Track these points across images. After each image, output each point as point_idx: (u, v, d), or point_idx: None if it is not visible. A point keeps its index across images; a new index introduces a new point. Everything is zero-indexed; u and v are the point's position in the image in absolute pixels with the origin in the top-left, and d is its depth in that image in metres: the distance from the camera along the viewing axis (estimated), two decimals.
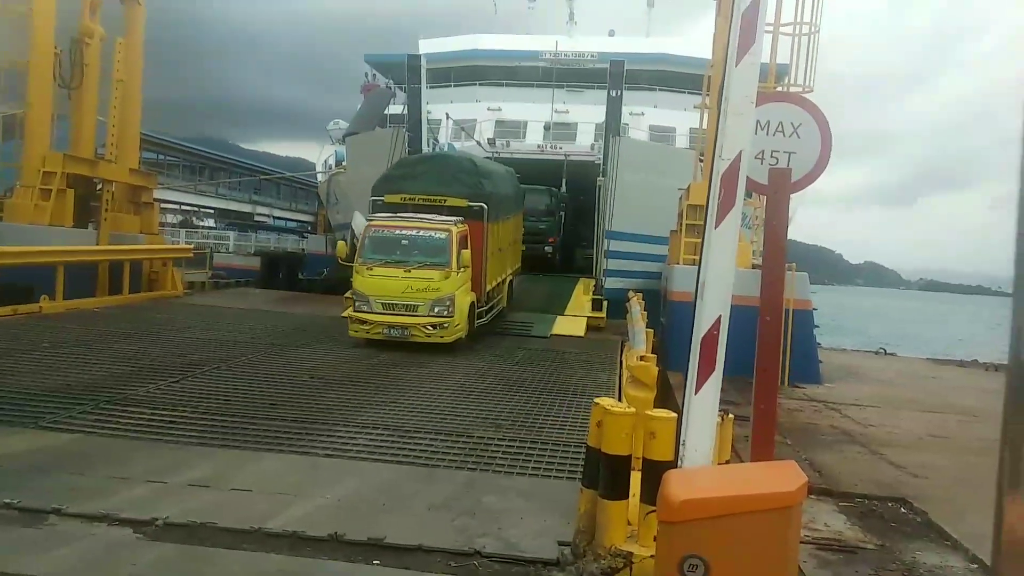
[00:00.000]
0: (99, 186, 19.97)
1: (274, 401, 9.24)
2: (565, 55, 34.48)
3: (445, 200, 14.52)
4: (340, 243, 14.38)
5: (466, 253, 13.58)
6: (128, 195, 20.87)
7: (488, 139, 30.85)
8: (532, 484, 6.84)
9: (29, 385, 9.17)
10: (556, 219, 25.99)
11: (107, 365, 10.67)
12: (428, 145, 24.84)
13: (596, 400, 5.28)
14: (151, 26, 21.49)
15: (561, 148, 30.11)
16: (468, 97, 34.80)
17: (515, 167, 29.25)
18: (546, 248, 24.98)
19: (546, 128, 32.49)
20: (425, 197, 14.55)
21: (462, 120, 31.82)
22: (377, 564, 5.06)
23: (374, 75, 38.54)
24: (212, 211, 60.90)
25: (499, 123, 33.55)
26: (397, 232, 13.79)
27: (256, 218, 62.52)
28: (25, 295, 14.98)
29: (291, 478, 6.59)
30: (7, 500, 5.54)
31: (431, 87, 28.54)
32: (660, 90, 33.55)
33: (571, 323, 17.60)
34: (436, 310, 13.27)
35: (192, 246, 26.39)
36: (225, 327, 15.08)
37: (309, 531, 5.37)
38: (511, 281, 18.45)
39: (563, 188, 28.11)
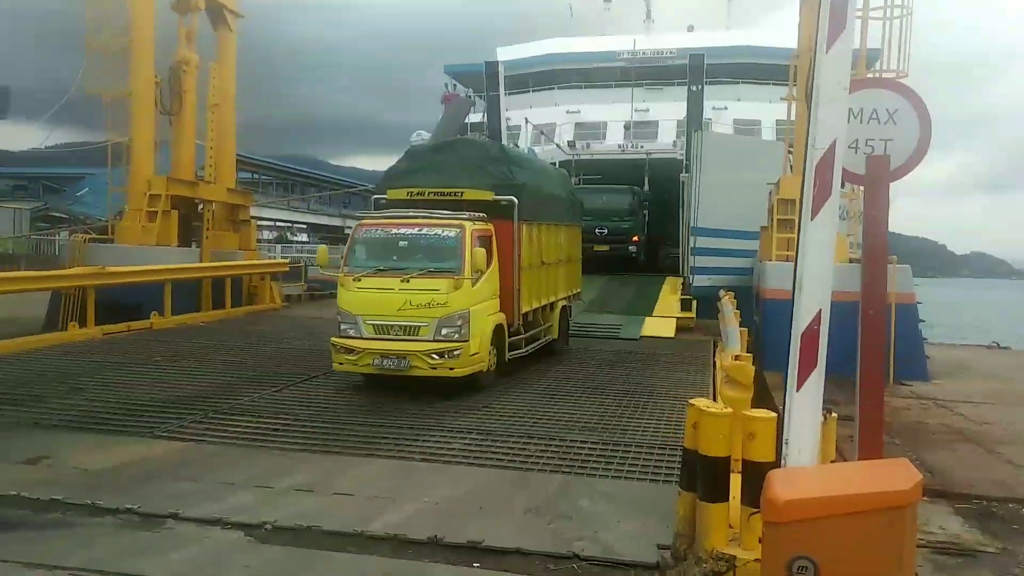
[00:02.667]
0: (200, 206, 20.94)
1: (371, 407, 9.48)
2: (643, 53, 34.14)
3: (462, 193, 11.10)
4: (321, 248, 12.03)
5: (479, 253, 10.13)
6: (227, 214, 21.81)
7: (568, 142, 30.83)
8: (627, 487, 6.78)
9: (143, 397, 9.69)
10: (639, 218, 25.63)
11: (214, 376, 11.16)
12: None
13: (691, 401, 5.19)
14: (241, 50, 22.43)
15: (643, 147, 29.79)
16: (547, 101, 34.89)
17: (596, 168, 29.23)
18: (630, 248, 24.58)
19: (626, 127, 32.21)
20: (437, 190, 11.19)
21: (541, 124, 31.92)
22: (477, 567, 5.11)
23: (454, 85, 39.11)
24: (305, 226, 62.99)
25: (578, 125, 33.49)
26: (394, 232, 10.54)
27: (346, 231, 64.28)
28: (135, 312, 15.84)
29: (389, 482, 6.74)
30: (128, 505, 5.87)
31: (510, 94, 28.77)
32: (743, 83, 32.82)
33: (660, 324, 17.34)
34: (444, 332, 9.87)
35: (287, 260, 27.33)
36: (322, 337, 15.53)
37: (409, 534, 5.48)
38: (566, 308, 14.52)
39: (646, 187, 27.76)
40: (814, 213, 4.22)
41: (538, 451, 7.71)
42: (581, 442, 8.07)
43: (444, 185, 11.26)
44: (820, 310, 4.15)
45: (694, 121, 23.93)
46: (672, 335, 16.62)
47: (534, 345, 12.49)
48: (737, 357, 7.24)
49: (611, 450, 7.81)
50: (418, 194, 11.23)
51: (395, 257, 10.42)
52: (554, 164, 29.72)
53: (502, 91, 26.15)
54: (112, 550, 5.19)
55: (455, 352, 9.89)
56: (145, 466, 6.95)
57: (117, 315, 15.18)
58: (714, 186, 20.04)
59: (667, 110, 31.03)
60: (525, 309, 11.78)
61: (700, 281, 19.61)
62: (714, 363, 11.89)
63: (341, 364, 10.18)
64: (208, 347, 13.73)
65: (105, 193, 22.01)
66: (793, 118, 17.07)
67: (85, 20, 18.51)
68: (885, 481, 3.60)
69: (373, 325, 10.06)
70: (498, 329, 10.92)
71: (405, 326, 9.99)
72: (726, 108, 31.69)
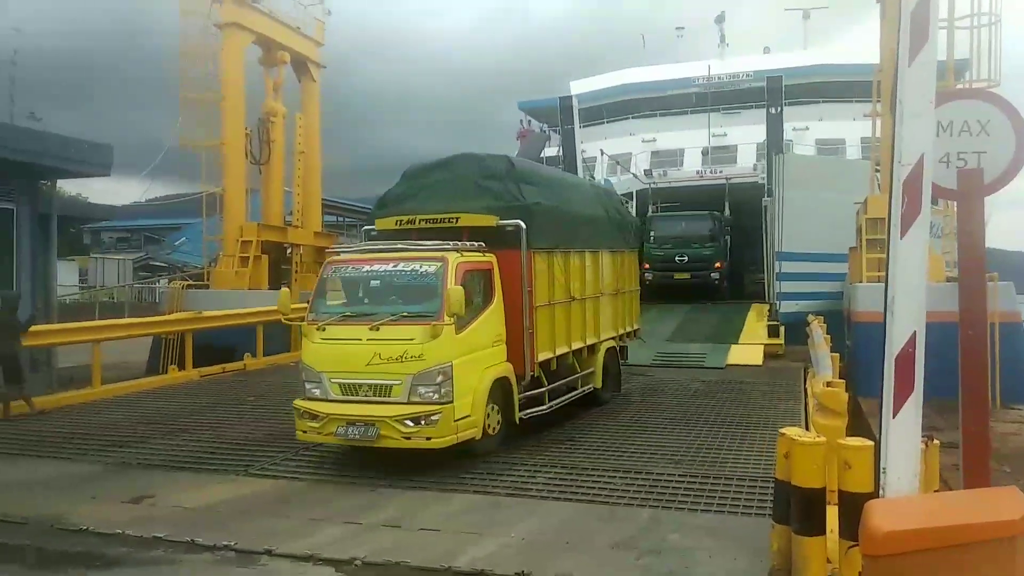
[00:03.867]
0: (288, 250, 21.74)
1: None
2: (719, 78, 33.83)
3: (458, 219, 9.23)
4: (282, 292, 9.60)
5: (456, 293, 7.94)
6: (314, 256, 22.55)
7: (644, 170, 30.70)
8: (718, 521, 6.58)
9: (238, 436, 10.01)
10: (721, 244, 25.14)
11: None
12: None
13: (782, 431, 5.03)
14: (323, 99, 23.31)
15: (722, 171, 29.39)
16: (622, 131, 34.88)
17: (674, 196, 28.94)
18: (713, 275, 24.10)
19: (704, 153, 31.86)
20: (429, 217, 9.35)
21: (617, 155, 31.91)
22: None
23: (528, 121, 39.57)
24: None
25: (655, 153, 33.32)
26: (365, 270, 8.79)
27: None
28: (230, 354, 16.46)
29: (475, 517, 6.74)
30: (225, 542, 6.04)
31: (584, 126, 28.92)
32: (824, 102, 32.08)
33: (747, 351, 16.90)
34: (421, 391, 7.97)
35: None
36: None
37: (496, 569, 5.45)
38: (615, 350, 12.31)
39: (727, 212, 27.28)
40: (903, 232, 4.06)
41: (624, 484, 7.57)
42: (669, 475, 7.90)
43: (440, 211, 9.36)
44: (915, 332, 3.96)
45: (774, 144, 23.51)
46: (759, 363, 16.16)
47: (563, 399, 10.33)
48: (829, 383, 6.99)
49: (700, 482, 7.61)
50: (408, 222, 9.42)
51: (366, 300, 8.74)
52: (630, 193, 29.72)
53: (576, 124, 26.33)
54: None
55: (433, 417, 7.87)
56: (240, 503, 7.15)
57: (213, 357, 15.80)
58: (798, 209, 19.56)
59: (746, 134, 30.57)
60: (544, 356, 9.67)
61: (787, 307, 19.07)
62: (805, 391, 11.48)
63: (305, 432, 8.35)
64: (299, 386, 14.09)
65: (200, 241, 23.13)
66: (879, 135, 16.56)
67: (180, 78, 19.64)
68: (992, 510, 3.39)
69: (339, 384, 8.27)
70: (500, 384, 8.86)
71: (375, 385, 8.13)
72: (807, 128, 31.02)
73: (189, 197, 29.43)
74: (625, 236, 13.09)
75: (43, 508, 6.97)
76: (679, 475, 7.87)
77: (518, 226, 9.13)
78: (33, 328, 11.80)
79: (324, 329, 8.48)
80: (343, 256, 9.22)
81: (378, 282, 8.73)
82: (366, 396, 8.18)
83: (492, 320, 8.96)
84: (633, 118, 35.57)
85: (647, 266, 24.11)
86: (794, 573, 4.66)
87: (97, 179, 20.36)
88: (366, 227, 10.35)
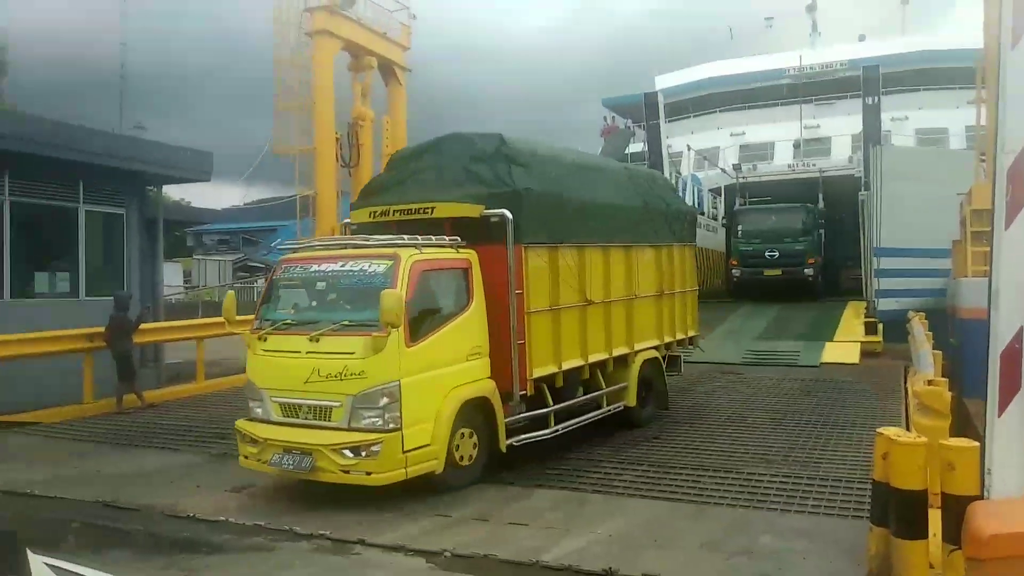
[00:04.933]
0: None
1: (541, 439, 9.55)
2: (811, 68, 32.84)
3: (432, 208, 7.99)
4: (228, 295, 8.47)
5: (391, 298, 6.65)
6: None
7: (733, 165, 30.05)
8: (811, 522, 6.41)
9: None
10: (815, 238, 24.25)
11: None
12: (671, 179, 24.70)
13: (880, 430, 4.86)
14: (410, 102, 23.77)
15: (815, 165, 28.48)
16: (709, 125, 34.28)
17: (764, 190, 28.18)
18: (806, 271, 23.24)
19: (795, 146, 31.00)
20: (404, 207, 8.16)
21: (704, 150, 31.36)
22: None
23: (612, 117, 39.31)
24: None
25: (743, 147, 32.61)
26: (313, 270, 7.64)
27: None
28: None
29: (561, 512, 6.77)
30: (321, 531, 6.27)
31: (670, 121, 28.55)
32: (924, 90, 30.74)
33: (843, 349, 16.32)
34: (363, 417, 6.78)
35: None
36: None
37: (583, 565, 5.46)
38: (661, 361, 10.62)
39: (820, 205, 26.37)
40: (1008, 223, 3.87)
41: (714, 484, 7.46)
42: (760, 475, 7.73)
43: (420, 200, 8.15)
44: (1020, 327, 3.77)
45: (871, 135, 22.64)
46: (856, 361, 15.59)
47: (576, 421, 8.84)
48: (931, 382, 6.70)
49: (793, 483, 7.42)
50: (381, 214, 8.33)
51: (313, 305, 7.62)
52: (718, 189, 29.11)
53: (662, 119, 25.98)
54: (307, 573, 5.56)
55: (373, 448, 6.65)
56: (336, 495, 7.35)
57: None
58: (897, 204, 18.75)
59: (840, 125, 29.59)
60: (543, 371, 8.18)
61: (886, 304, 18.31)
62: (905, 390, 11.02)
63: (246, 458, 7.37)
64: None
65: None
66: (983, 123, 15.73)
67: (274, 86, 20.39)
68: None
69: (279, 404, 7.21)
70: (477, 406, 7.53)
71: (314, 406, 7.00)
72: (907, 118, 29.75)
73: (284, 200, 30.57)
74: (674, 228, 11.22)
75: (153, 496, 7.39)
76: (771, 475, 7.70)
77: (503, 216, 7.70)
78: (143, 326, 12.52)
79: (265, 340, 7.40)
80: (295, 256, 7.92)
81: (324, 284, 7.54)
82: (306, 419, 7.04)
83: (467, 329, 7.54)
84: (721, 111, 34.89)
85: (735, 263, 23.56)
86: None
87: (199, 184, 21.32)
88: (345, 220, 9.15)
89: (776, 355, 16.12)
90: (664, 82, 34.88)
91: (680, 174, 27.70)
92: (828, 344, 16.80)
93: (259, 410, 7.37)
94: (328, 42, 20.35)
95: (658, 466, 8.16)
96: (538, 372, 8.11)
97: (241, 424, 7.45)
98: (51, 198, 13.57)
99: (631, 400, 9.71)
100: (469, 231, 7.90)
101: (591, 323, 9.00)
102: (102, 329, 11.76)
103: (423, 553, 5.83)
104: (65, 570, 1.58)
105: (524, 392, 7.91)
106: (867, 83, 23.38)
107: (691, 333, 11.70)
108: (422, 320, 7.18)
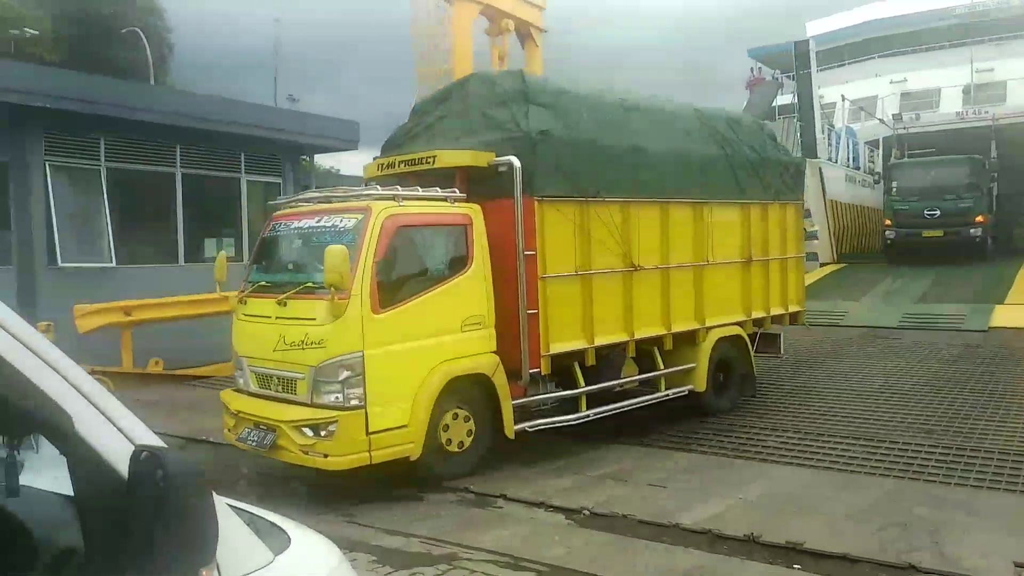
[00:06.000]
0: None
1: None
2: (984, 5, 29.86)
3: (434, 158, 7.08)
4: (219, 256, 7.84)
5: (335, 254, 5.79)
6: None
7: (893, 115, 27.98)
8: (973, 496, 6.02)
9: None
10: (984, 194, 21.99)
11: None
12: (823, 132, 23.34)
13: None
14: (547, 62, 23.66)
15: (987, 112, 26.00)
16: (866, 73, 32.03)
17: (927, 141, 26.05)
18: (972, 231, 20.93)
19: (965, 92, 28.42)
20: (406, 159, 7.37)
21: (860, 99, 29.36)
22: (798, 568, 4.90)
23: (759, 68, 37.47)
24: None
25: (904, 96, 30.31)
26: (293, 226, 6.96)
27: None
28: None
29: (702, 476, 6.71)
30: (465, 485, 6.52)
31: (821, 69, 26.86)
32: None
33: (1016, 313, 14.97)
34: (324, 394, 6.08)
35: None
36: None
37: (723, 530, 5.40)
38: (747, 340, 9.14)
39: (992, 157, 24.04)
40: None
41: (865, 453, 7.13)
42: (918, 445, 7.31)
43: (432, 148, 7.36)
44: None
45: None
46: None
47: (617, 406, 7.75)
48: None
49: (954, 455, 6.98)
50: (388, 166, 7.57)
51: (289, 266, 6.98)
52: (876, 141, 27.20)
53: (813, 67, 24.47)
54: (452, 523, 5.82)
55: (330, 427, 5.95)
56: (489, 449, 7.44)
57: None
58: None
59: (1018, 67, 26.79)
60: (565, 347, 7.17)
61: None
62: None
63: (228, 431, 6.84)
64: None
65: None
66: None
67: (414, 53, 20.87)
68: None
69: (255, 374, 6.68)
70: (473, 383, 6.67)
71: (282, 378, 6.42)
72: None
73: None
74: (769, 182, 9.53)
75: None
76: (929, 445, 7.27)
77: (510, 163, 6.78)
78: None
79: (245, 303, 6.86)
80: (285, 210, 7.24)
81: (300, 243, 6.89)
82: (276, 391, 6.49)
83: (462, 294, 6.65)
84: (879, 57, 32.52)
85: (888, 223, 21.91)
86: None
87: (347, 153, 22.25)
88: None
89: (938, 319, 15.01)
90: (816, 28, 32.84)
91: (833, 126, 26.10)
92: (998, 307, 15.45)
93: (240, 380, 6.90)
94: (466, 7, 20.55)
95: (804, 433, 7.89)
96: (557, 347, 7.09)
97: (224, 394, 7.03)
98: (216, 169, 14.62)
99: (699, 384, 8.41)
100: (482, 183, 7.00)
101: (640, 293, 7.81)
102: None
103: (562, 510, 5.96)
104: (243, 510, 1.76)
105: (537, 370, 6.94)
106: None
107: (794, 308, 9.94)
108: (398, 283, 6.38)
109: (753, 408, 8.96)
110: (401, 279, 6.46)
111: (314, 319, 6.09)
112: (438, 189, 6.80)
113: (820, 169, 21.66)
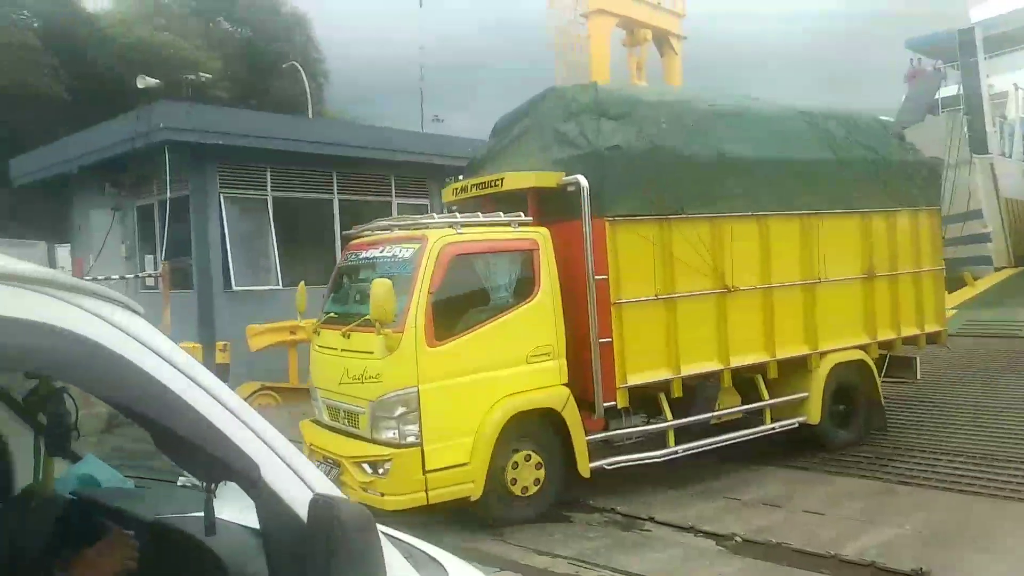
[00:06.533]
0: None
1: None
2: None
3: (502, 180, 6.93)
4: (300, 285, 7.63)
5: (381, 288, 5.59)
6: None
7: None
8: None
9: None
10: None
11: None
12: (993, 125, 21.50)
13: None
14: (685, 69, 23.27)
15: None
16: None
17: None
18: None
19: None
20: (477, 182, 7.27)
21: None
22: None
23: (918, 60, 35.04)
24: None
25: None
26: (362, 257, 6.85)
27: None
28: None
29: (862, 503, 6.38)
30: (612, 506, 6.53)
31: (989, 57, 24.78)
32: None
33: None
34: (383, 430, 5.88)
35: None
36: None
37: (888, 562, 5.12)
38: (866, 366, 8.16)
39: None
40: None
41: None
42: None
43: (509, 168, 7.16)
44: None
45: None
46: None
47: (712, 441, 7.11)
48: None
49: None
50: (461, 190, 7.46)
51: (355, 297, 6.77)
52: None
53: (980, 56, 22.63)
54: (601, 545, 5.83)
55: (385, 465, 5.76)
56: (631, 471, 7.16)
57: None
58: None
59: None
60: (643, 378, 6.67)
61: None
62: None
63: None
64: None
65: None
66: None
67: (555, 68, 21.14)
68: None
69: (327, 405, 6.62)
70: (543, 419, 6.31)
71: (348, 411, 6.29)
72: None
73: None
74: (896, 187, 8.52)
75: None
76: None
77: (577, 183, 6.41)
78: None
79: (319, 334, 6.83)
80: (358, 239, 7.09)
81: (367, 272, 6.64)
82: (344, 424, 6.38)
83: (527, 324, 6.27)
84: None
85: None
86: None
87: None
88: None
89: None
90: (981, 13, 30.28)
91: (1005, 118, 23.99)
92: None
93: (317, 411, 6.86)
94: (604, 20, 20.64)
95: (979, 458, 7.31)
96: (636, 378, 6.59)
97: (303, 424, 6.94)
98: (369, 194, 15.41)
99: (812, 415, 7.59)
100: (554, 205, 6.67)
101: (735, 316, 7.14)
102: None
103: (712, 535, 5.84)
104: (401, 540, 1.87)
105: (613, 403, 6.49)
106: None
107: (932, 328, 8.82)
108: (456, 314, 6.11)
109: (917, 429, 8.41)
110: (460, 309, 6.18)
111: (372, 352, 5.90)
112: (500, 214, 6.55)
113: (991, 165, 20.00)
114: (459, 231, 6.18)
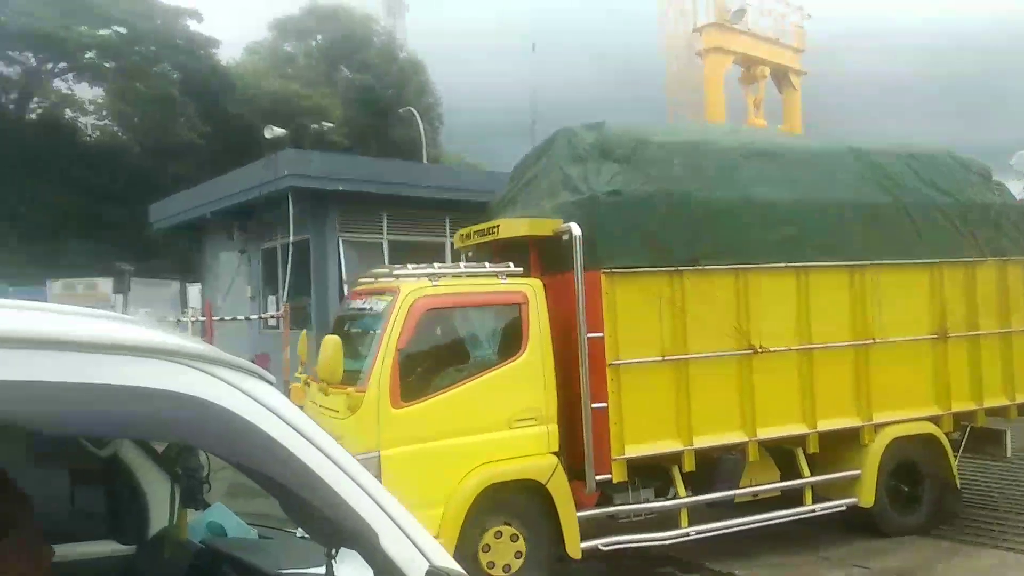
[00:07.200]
0: None
1: (982, 487, 8.27)
2: None
3: (497, 228, 6.47)
4: (301, 335, 6.97)
5: (330, 345, 5.27)
6: None
7: None
8: None
9: None
10: None
11: None
12: None
13: None
14: (805, 104, 22.64)
15: None
16: None
17: None
18: None
19: None
20: (478, 229, 6.83)
21: None
22: None
23: None
24: None
25: None
26: (351, 307, 6.62)
27: None
28: None
29: None
30: (731, 570, 6.17)
31: None
32: None
33: None
34: None
35: None
36: None
37: None
38: (935, 441, 7.03)
39: None
40: None
41: None
42: None
43: (518, 213, 6.82)
44: None
45: None
46: None
47: (730, 523, 6.29)
48: None
49: None
50: (466, 237, 7.05)
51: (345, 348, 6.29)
52: None
53: None
54: None
55: None
56: (746, 533, 6.67)
57: None
58: None
59: None
60: (643, 450, 5.92)
61: None
62: None
63: None
64: None
65: None
66: None
67: (667, 108, 21.05)
68: None
69: None
70: (524, 492, 5.66)
71: None
72: None
73: None
74: (976, 234, 7.36)
75: None
76: None
77: (569, 231, 5.87)
78: None
79: (310, 386, 6.22)
80: (357, 287, 6.77)
81: (354, 324, 6.31)
82: None
83: (511, 385, 5.67)
84: None
85: None
86: None
87: None
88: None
89: None
90: None
91: None
92: None
93: None
94: (720, 58, 20.41)
95: None
96: (636, 449, 5.84)
97: None
98: None
99: (865, 497, 6.61)
100: (552, 255, 6.11)
101: (764, 381, 6.27)
102: None
103: None
104: None
105: (607, 477, 5.75)
106: None
107: (1021, 398, 7.48)
108: (428, 373, 5.64)
109: None
110: (433, 368, 5.71)
111: (337, 412, 5.42)
112: (486, 264, 6.19)
113: None
114: (435, 283, 5.68)
